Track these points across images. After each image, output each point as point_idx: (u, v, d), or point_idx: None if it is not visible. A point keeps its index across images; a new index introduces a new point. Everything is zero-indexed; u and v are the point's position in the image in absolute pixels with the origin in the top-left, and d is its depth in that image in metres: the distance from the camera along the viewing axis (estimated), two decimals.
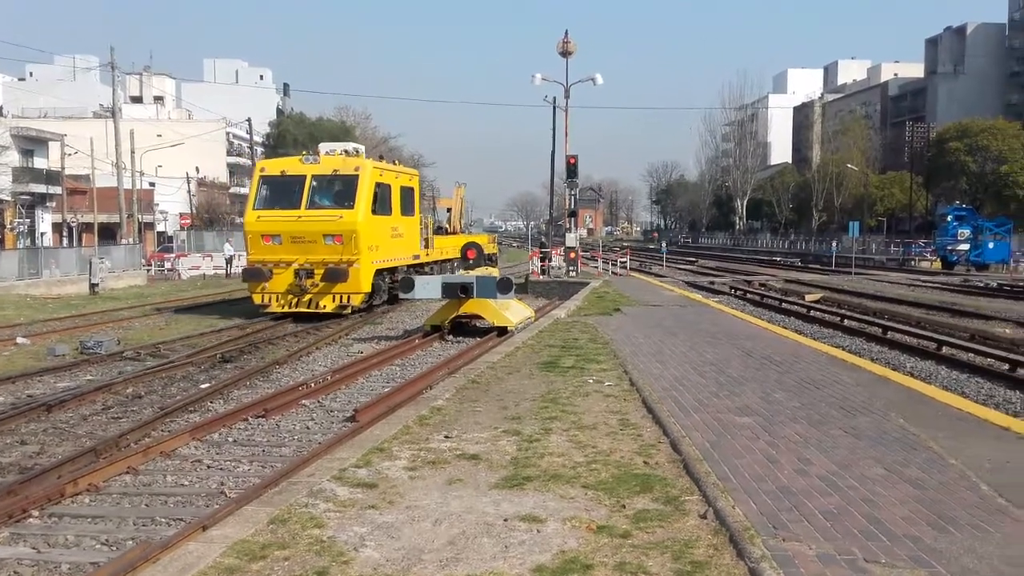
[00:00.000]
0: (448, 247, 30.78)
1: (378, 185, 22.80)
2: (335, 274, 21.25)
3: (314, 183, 22.13)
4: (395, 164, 26.63)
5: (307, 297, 21.65)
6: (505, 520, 5.53)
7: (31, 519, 7.36)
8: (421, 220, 27.14)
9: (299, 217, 21.69)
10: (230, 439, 10.21)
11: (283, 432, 10.50)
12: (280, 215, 21.89)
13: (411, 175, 26.64)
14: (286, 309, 21.89)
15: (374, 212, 22.42)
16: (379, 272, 22.95)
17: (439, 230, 33.59)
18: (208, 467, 9.06)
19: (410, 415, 8.60)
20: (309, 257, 21.60)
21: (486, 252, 37.18)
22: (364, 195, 21.89)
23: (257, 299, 22.23)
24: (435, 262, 28.81)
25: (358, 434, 8.63)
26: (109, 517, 7.46)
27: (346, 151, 23.61)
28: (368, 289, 22.12)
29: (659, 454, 7.14)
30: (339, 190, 22.38)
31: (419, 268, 26.12)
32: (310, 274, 21.49)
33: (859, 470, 6.59)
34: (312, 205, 21.98)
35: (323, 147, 23.83)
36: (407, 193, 25.34)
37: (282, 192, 22.27)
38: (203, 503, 7.94)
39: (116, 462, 8.96)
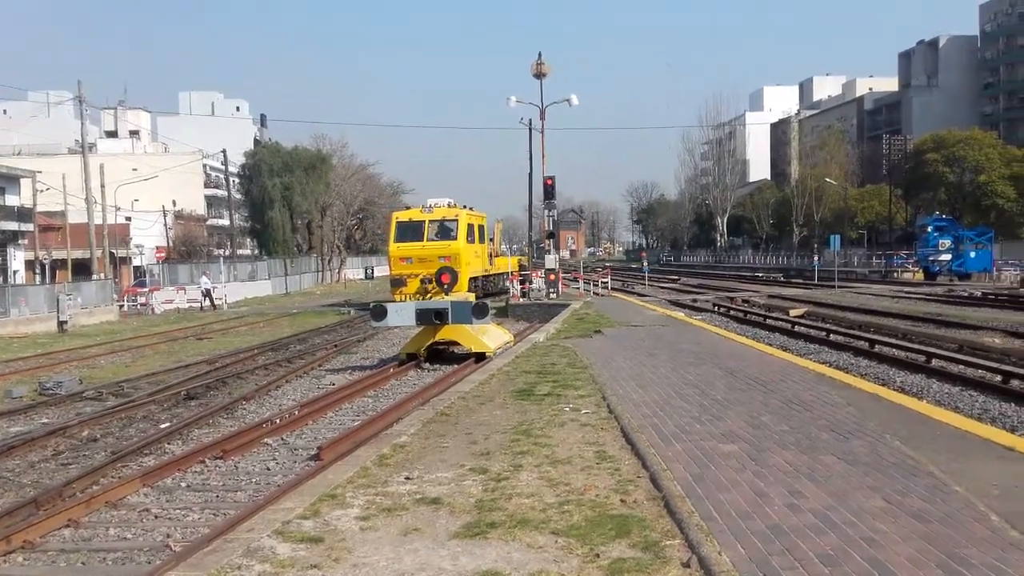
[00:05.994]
0: (501, 265, 42.52)
1: (468, 225, 34.83)
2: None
3: (430, 225, 34.02)
4: (473, 210, 37.11)
5: (428, 296, 30.52)
6: None
7: None
8: (487, 246, 39.96)
9: (423, 247, 33.24)
10: (183, 484, 9.58)
11: (241, 474, 9.86)
12: (411, 245, 33.60)
13: (483, 216, 39.17)
14: None
15: (468, 241, 34.35)
16: (471, 279, 33.98)
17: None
18: (156, 517, 8.42)
19: (370, 454, 7.95)
20: (429, 271, 31.58)
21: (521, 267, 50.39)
22: (462, 231, 33.91)
23: (397, 298, 30.79)
24: (495, 274, 41.18)
25: (315, 476, 7.99)
26: None
27: (448, 203, 35.16)
28: (466, 289, 29.91)
29: (638, 491, 6.54)
30: (446, 229, 34.09)
31: (488, 278, 39.42)
32: (431, 281, 31.67)
33: (856, 502, 6.01)
34: (431, 239, 33.69)
35: (430, 201, 35.69)
36: (481, 229, 38.05)
37: (410, 231, 34.13)
38: (145, 559, 7.32)
39: (56, 515, 8.33)
